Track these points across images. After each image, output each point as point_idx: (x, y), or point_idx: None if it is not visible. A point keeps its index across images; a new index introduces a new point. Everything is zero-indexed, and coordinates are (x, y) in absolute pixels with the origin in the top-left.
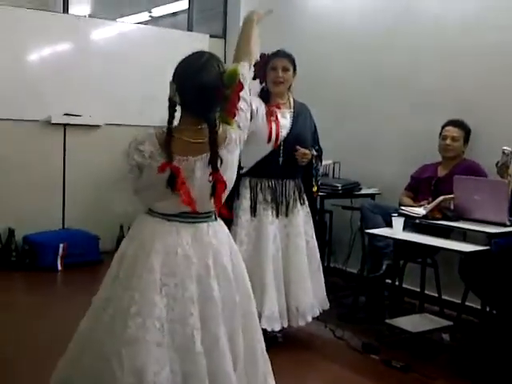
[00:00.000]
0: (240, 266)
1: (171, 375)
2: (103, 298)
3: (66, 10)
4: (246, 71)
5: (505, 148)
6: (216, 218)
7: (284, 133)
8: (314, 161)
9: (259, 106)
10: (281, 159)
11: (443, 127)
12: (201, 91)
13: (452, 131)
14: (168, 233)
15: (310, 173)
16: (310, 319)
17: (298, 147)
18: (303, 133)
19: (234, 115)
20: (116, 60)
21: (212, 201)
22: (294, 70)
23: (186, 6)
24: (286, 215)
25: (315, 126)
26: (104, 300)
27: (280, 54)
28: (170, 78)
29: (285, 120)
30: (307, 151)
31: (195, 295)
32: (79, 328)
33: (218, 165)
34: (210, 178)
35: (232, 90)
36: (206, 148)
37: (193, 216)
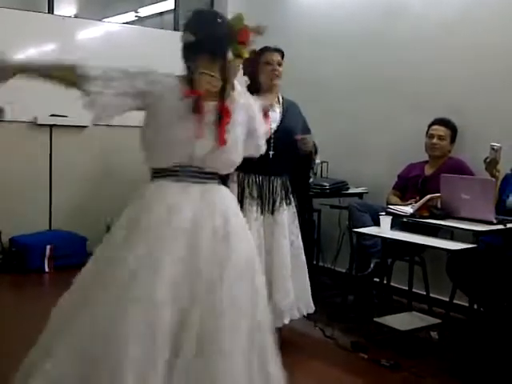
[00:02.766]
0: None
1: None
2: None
3: (51, 10)
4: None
5: (493, 144)
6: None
7: (273, 125)
8: (314, 150)
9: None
10: (271, 153)
11: (430, 126)
12: (217, 28)
13: (438, 130)
14: (175, 192)
15: (305, 167)
16: (286, 321)
17: (298, 136)
18: (293, 126)
19: (245, 45)
20: (102, 60)
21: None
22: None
23: (173, 6)
24: (272, 213)
25: (306, 122)
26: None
27: (272, 48)
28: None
29: (274, 113)
30: (305, 136)
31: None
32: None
33: (227, 94)
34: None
35: (240, 27)
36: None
37: (199, 174)
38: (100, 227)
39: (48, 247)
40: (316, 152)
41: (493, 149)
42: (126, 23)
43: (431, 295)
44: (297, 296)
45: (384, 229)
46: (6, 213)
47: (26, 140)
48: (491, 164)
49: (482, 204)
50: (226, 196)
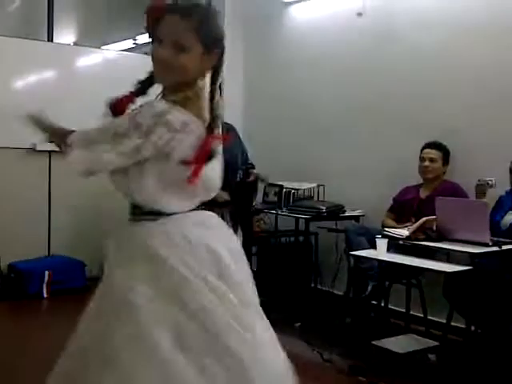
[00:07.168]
0: None
1: None
2: None
3: (50, 38)
4: None
5: (489, 179)
6: None
7: None
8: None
9: None
10: None
11: (422, 150)
12: None
13: (429, 153)
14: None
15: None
16: None
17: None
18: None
19: None
20: (101, 87)
21: None
22: None
23: None
24: None
25: (247, 154)
26: None
27: None
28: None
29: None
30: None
31: None
32: None
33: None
34: None
35: None
36: None
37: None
38: (98, 252)
39: (46, 272)
40: (263, 180)
41: (487, 183)
42: (125, 50)
43: (429, 317)
44: None
45: (380, 252)
46: (4, 238)
47: (25, 166)
48: (481, 194)
49: (477, 226)
50: None
